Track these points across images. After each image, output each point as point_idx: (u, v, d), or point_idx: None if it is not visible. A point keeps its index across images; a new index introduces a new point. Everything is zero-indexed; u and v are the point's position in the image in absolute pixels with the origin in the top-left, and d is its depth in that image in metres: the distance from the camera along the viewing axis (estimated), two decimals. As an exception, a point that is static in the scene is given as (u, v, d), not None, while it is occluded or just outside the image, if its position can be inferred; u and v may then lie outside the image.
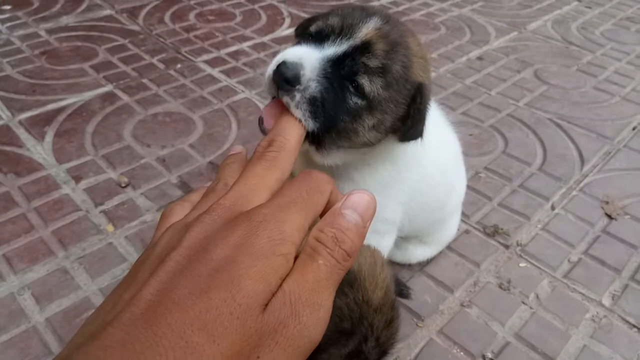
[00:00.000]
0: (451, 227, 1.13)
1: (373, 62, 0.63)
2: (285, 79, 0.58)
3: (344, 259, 0.34)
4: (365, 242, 0.94)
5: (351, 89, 0.63)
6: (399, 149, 0.77)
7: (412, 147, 0.76)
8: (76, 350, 0.29)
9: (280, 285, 0.31)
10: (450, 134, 0.97)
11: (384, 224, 0.87)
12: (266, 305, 0.30)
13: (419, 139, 0.71)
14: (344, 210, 0.35)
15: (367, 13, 0.66)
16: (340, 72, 0.62)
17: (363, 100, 0.64)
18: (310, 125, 0.59)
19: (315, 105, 0.59)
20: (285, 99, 0.58)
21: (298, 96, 0.58)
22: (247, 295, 0.30)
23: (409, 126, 0.69)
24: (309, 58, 0.60)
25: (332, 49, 0.62)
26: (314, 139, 0.65)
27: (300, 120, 0.56)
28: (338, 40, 0.63)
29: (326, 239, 0.34)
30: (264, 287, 0.30)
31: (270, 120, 0.58)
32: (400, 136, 0.71)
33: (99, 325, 0.31)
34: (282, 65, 0.58)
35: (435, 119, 0.92)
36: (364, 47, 0.63)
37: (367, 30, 0.64)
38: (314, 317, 0.31)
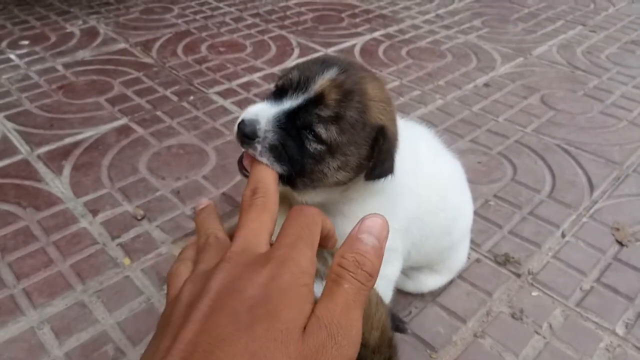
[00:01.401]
0: (461, 254, 1.14)
1: (325, 112, 0.69)
2: (244, 135, 0.67)
3: (367, 279, 0.37)
4: None
5: (310, 137, 0.70)
6: (383, 184, 0.80)
7: (400, 176, 0.80)
8: None
9: (312, 311, 0.35)
10: (448, 159, 1.00)
11: None
12: (304, 330, 0.34)
13: (388, 176, 0.76)
14: (360, 235, 0.39)
15: (326, 65, 0.72)
16: (297, 122, 0.70)
17: (322, 145, 0.71)
18: (278, 169, 0.67)
19: (277, 152, 0.67)
20: (250, 150, 0.67)
21: (259, 147, 0.66)
22: (286, 322, 0.33)
23: (372, 166, 0.74)
24: (264, 114, 0.69)
25: (289, 103, 0.70)
26: (287, 180, 0.73)
27: (269, 166, 0.65)
28: (295, 94, 0.70)
29: (348, 263, 0.37)
30: (298, 314, 0.34)
31: (247, 162, 0.69)
32: (366, 175, 0.76)
33: None
34: (241, 124, 0.67)
35: (430, 146, 0.96)
36: (318, 99, 0.70)
37: (321, 82, 0.70)
38: (348, 336, 0.34)
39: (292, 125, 0.69)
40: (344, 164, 0.73)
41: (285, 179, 0.72)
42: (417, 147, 0.89)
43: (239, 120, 0.69)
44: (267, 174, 0.54)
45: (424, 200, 0.89)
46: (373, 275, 0.38)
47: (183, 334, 0.34)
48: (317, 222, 0.42)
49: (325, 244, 0.44)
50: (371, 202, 0.83)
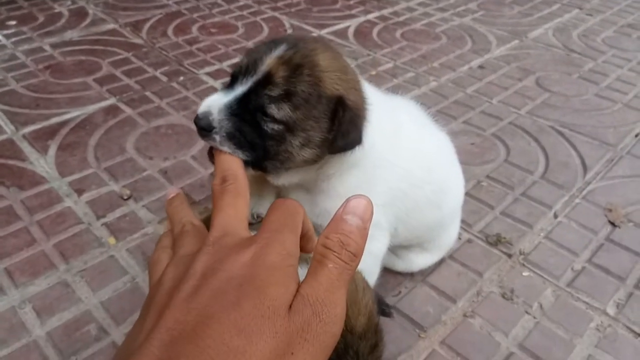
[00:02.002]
0: (452, 232, 1.12)
1: (275, 92, 0.68)
2: (201, 128, 0.67)
3: (351, 259, 0.38)
4: None
5: (265, 118, 0.69)
6: (359, 155, 0.78)
7: (378, 149, 0.80)
8: None
9: (298, 290, 0.36)
10: (435, 133, 0.98)
11: None
12: (290, 308, 0.34)
13: (356, 148, 0.75)
14: (345, 216, 0.39)
15: (274, 44, 0.72)
16: (249, 107, 0.69)
17: (279, 125, 0.70)
18: (241, 155, 0.67)
19: (235, 139, 0.67)
20: (210, 142, 0.67)
21: (217, 137, 0.67)
22: (273, 299, 0.34)
23: (333, 138, 0.73)
24: (215, 104, 0.68)
25: (240, 89, 0.69)
26: (256, 165, 0.73)
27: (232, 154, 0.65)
28: (245, 79, 0.70)
29: (332, 244, 0.38)
30: (285, 291, 0.35)
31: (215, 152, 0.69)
32: (328, 149, 0.75)
33: (128, 354, 0.33)
34: (196, 119, 0.68)
35: (414, 119, 0.94)
36: (266, 79, 0.69)
37: (269, 61, 0.69)
38: (332, 314, 0.35)
39: (245, 111, 0.69)
40: (306, 140, 0.72)
41: (254, 164, 0.72)
42: (398, 119, 0.87)
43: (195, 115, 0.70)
44: (232, 161, 0.54)
45: (406, 174, 0.87)
46: (357, 255, 0.38)
47: (168, 314, 0.34)
48: (300, 213, 0.42)
49: (303, 245, 0.44)
50: (349, 177, 0.81)
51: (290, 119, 0.69)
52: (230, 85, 0.71)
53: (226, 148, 0.66)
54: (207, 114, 0.67)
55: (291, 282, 0.36)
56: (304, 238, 0.44)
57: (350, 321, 0.59)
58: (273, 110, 0.68)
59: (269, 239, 0.38)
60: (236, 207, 0.44)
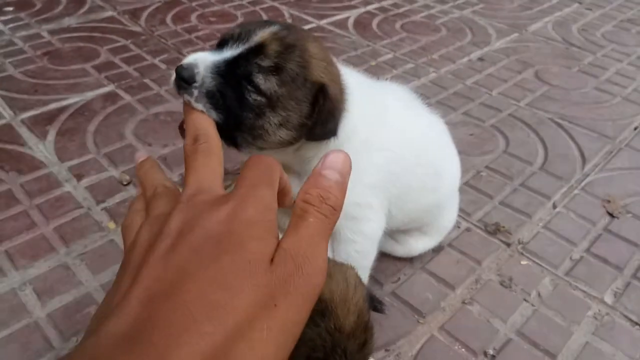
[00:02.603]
0: (450, 215, 1.13)
1: (265, 62, 0.68)
2: (182, 79, 0.64)
3: (331, 213, 0.38)
4: (342, 228, 0.93)
5: (249, 87, 0.68)
6: (337, 142, 0.79)
7: (360, 134, 0.80)
8: (86, 337, 0.31)
9: (279, 245, 0.35)
10: (426, 116, 0.99)
11: (356, 208, 0.87)
12: (271, 262, 0.34)
13: (331, 138, 0.76)
14: (323, 171, 0.39)
15: (268, 23, 0.72)
16: (236, 72, 0.68)
17: (262, 97, 0.69)
18: (214, 115, 0.65)
19: (214, 99, 0.65)
20: (186, 96, 0.64)
21: (195, 92, 0.64)
22: (253, 253, 0.33)
23: (312, 125, 0.73)
24: (203, 59, 0.66)
25: (229, 52, 0.68)
26: (228, 138, 0.71)
27: (204, 112, 0.62)
28: (235, 44, 0.68)
29: (312, 198, 0.37)
30: (264, 246, 0.34)
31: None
32: (306, 135, 0.75)
33: (104, 316, 0.32)
34: (179, 68, 0.65)
35: (402, 102, 0.95)
36: (258, 49, 0.68)
37: (263, 34, 0.69)
38: (314, 266, 0.35)
39: (231, 75, 0.67)
40: (285, 120, 0.72)
41: (225, 134, 0.70)
42: (384, 104, 0.88)
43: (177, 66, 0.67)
44: (205, 120, 0.52)
45: (396, 157, 0.88)
46: (337, 209, 0.38)
47: (145, 272, 0.33)
48: (275, 169, 0.41)
49: (281, 200, 0.43)
50: None
51: (275, 93, 0.69)
52: (218, 49, 0.70)
53: (201, 106, 0.63)
54: (192, 66, 0.65)
55: (271, 237, 0.35)
56: (281, 193, 0.43)
57: (340, 320, 0.59)
58: (260, 80, 0.68)
59: (246, 194, 0.37)
60: (210, 166, 0.43)
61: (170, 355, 0.28)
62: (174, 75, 0.66)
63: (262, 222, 0.35)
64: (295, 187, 0.42)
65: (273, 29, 0.70)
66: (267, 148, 0.76)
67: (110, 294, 0.36)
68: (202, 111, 0.62)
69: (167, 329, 0.29)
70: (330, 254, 0.99)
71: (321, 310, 0.58)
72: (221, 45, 0.70)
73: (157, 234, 0.36)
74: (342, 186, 0.39)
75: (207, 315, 0.30)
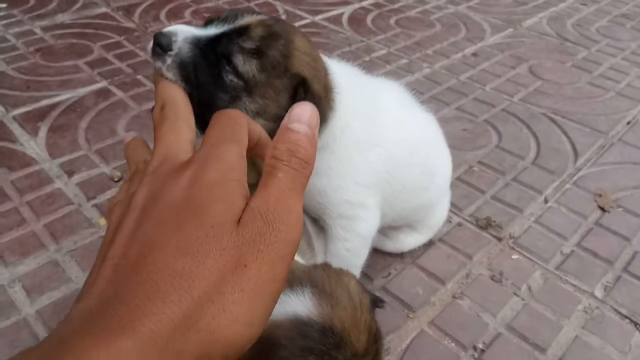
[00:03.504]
0: (441, 212, 1.13)
1: (248, 44, 0.66)
2: (158, 44, 0.62)
3: (302, 166, 0.36)
4: (335, 226, 0.92)
5: (227, 68, 0.67)
6: (326, 139, 0.78)
7: (355, 132, 0.80)
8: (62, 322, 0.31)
9: (247, 204, 0.34)
10: (419, 114, 0.98)
11: (348, 207, 0.87)
12: (238, 222, 0.33)
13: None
14: (290, 125, 0.38)
15: (257, 13, 0.71)
16: (217, 49, 0.66)
17: (239, 80, 0.67)
18: (183, 87, 0.62)
19: (186, 71, 0.62)
20: (158, 63, 0.61)
21: (169, 60, 0.61)
22: (215, 216, 0.32)
23: None
24: (183, 30, 0.65)
25: (212, 30, 0.67)
26: (198, 119, 0.69)
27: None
28: (220, 24, 0.67)
29: (280, 153, 0.36)
30: (228, 207, 0.33)
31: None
32: None
33: (77, 300, 0.32)
34: (157, 34, 0.63)
35: (395, 100, 0.94)
36: (242, 31, 0.67)
37: (250, 19, 0.68)
38: (286, 221, 0.33)
39: (211, 51, 0.65)
40: (262, 109, 0.70)
41: (197, 118, 0.68)
42: (378, 101, 0.87)
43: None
44: (173, 88, 0.49)
45: (390, 154, 0.87)
46: (308, 162, 0.37)
47: (111, 251, 0.33)
48: (241, 123, 0.39)
49: (259, 152, 0.42)
50: (318, 158, 0.80)
51: (253, 78, 0.67)
52: (203, 27, 0.69)
53: (171, 75, 0.61)
54: (171, 34, 0.63)
55: (236, 197, 0.34)
56: (257, 145, 0.42)
57: (354, 345, 0.59)
58: (239, 60, 0.66)
59: (207, 155, 0.36)
60: (177, 132, 0.41)
61: (134, 324, 0.28)
62: (151, 42, 0.64)
63: (224, 183, 0.34)
64: None
65: (261, 16, 0.70)
66: None
67: (86, 279, 0.35)
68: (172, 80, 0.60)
69: (132, 300, 0.29)
70: (322, 252, 0.99)
71: (336, 344, 0.58)
72: (207, 24, 0.69)
73: (125, 213, 0.35)
74: (312, 138, 0.38)
75: (172, 284, 0.29)
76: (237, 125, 0.39)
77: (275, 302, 0.33)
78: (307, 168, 0.37)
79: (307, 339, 0.57)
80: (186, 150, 0.39)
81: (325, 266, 0.66)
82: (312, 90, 0.72)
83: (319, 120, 0.39)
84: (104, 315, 0.29)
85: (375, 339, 0.63)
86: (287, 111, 0.71)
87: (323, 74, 0.77)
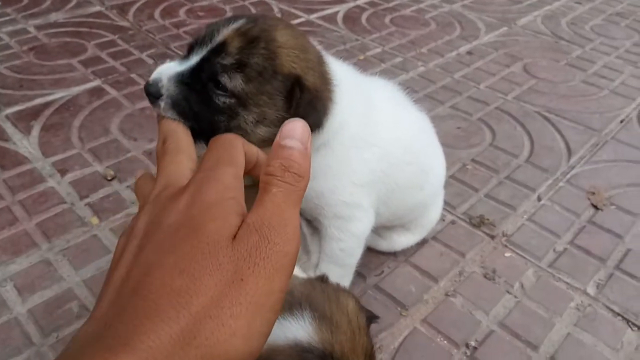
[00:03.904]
0: (434, 212, 1.13)
1: (227, 60, 0.67)
2: (149, 94, 0.66)
3: (296, 180, 0.37)
4: (329, 226, 0.92)
5: (216, 91, 0.67)
6: (323, 137, 0.78)
7: (352, 129, 0.79)
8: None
9: (243, 221, 0.35)
10: (413, 113, 0.98)
11: (344, 207, 0.87)
12: (234, 238, 0.33)
13: (316, 131, 0.74)
14: (282, 141, 0.39)
15: (234, 18, 0.70)
16: (201, 76, 0.67)
17: (232, 98, 0.68)
18: (185, 124, 0.63)
19: (180, 107, 0.65)
20: (156, 109, 0.66)
21: (162, 103, 0.65)
22: (211, 234, 0.33)
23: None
24: (166, 72, 0.67)
25: (194, 59, 0.68)
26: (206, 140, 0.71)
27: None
28: (200, 49, 0.68)
29: (274, 169, 0.37)
30: (223, 224, 0.34)
31: None
32: None
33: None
34: (146, 85, 0.67)
35: (390, 99, 0.93)
36: (220, 48, 0.67)
37: (225, 32, 0.68)
38: (282, 234, 0.34)
39: (197, 81, 0.67)
40: (261, 117, 0.70)
41: (205, 139, 0.69)
42: (372, 99, 0.87)
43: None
44: (174, 124, 0.52)
45: (384, 153, 0.87)
46: (302, 176, 0.38)
47: (115, 276, 0.34)
48: (236, 145, 0.41)
49: (257, 172, 0.42)
50: (317, 158, 0.79)
51: (242, 91, 0.67)
52: (186, 57, 0.70)
53: (169, 115, 0.65)
54: (157, 81, 0.66)
55: (231, 215, 0.35)
56: (255, 167, 0.43)
57: None
58: (225, 79, 0.67)
59: (203, 178, 0.37)
60: (177, 163, 0.43)
61: (133, 342, 0.29)
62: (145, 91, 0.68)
63: (220, 202, 0.35)
64: None
65: (236, 24, 0.68)
66: None
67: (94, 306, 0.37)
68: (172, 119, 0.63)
69: (132, 320, 0.30)
70: (317, 252, 0.99)
71: None
72: (189, 51, 0.70)
73: (128, 241, 0.37)
74: (304, 153, 0.39)
75: (170, 301, 0.30)
76: (232, 148, 0.41)
77: (276, 314, 0.33)
78: (301, 182, 0.37)
79: None
80: (186, 178, 0.40)
81: (323, 283, 0.66)
82: (307, 85, 0.71)
83: (310, 135, 0.40)
84: (105, 335, 0.30)
85: (371, 357, 0.63)
86: (287, 112, 0.71)
87: (316, 62, 0.75)
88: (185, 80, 0.66)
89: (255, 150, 0.44)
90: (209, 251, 0.32)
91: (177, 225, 0.34)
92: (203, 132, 0.67)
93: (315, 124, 0.73)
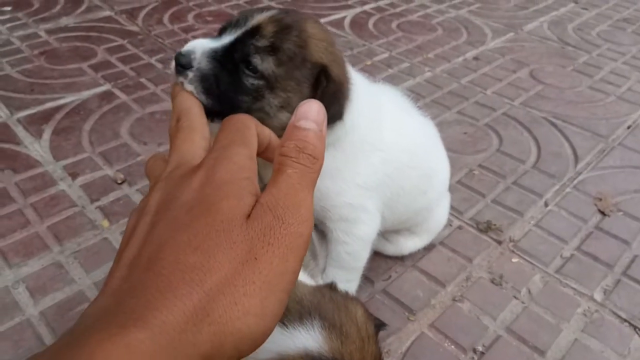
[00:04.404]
0: (440, 216, 1.13)
1: (261, 42, 0.69)
2: (180, 64, 0.66)
3: (311, 162, 0.37)
4: (335, 229, 0.93)
5: (246, 71, 0.69)
6: (336, 135, 0.79)
7: (358, 131, 0.80)
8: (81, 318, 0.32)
9: (257, 201, 0.34)
10: (418, 118, 0.99)
11: (349, 210, 0.88)
12: (248, 217, 0.33)
13: (336, 123, 0.76)
14: (297, 122, 0.38)
15: (266, 8, 0.73)
16: (234, 56, 0.69)
17: (260, 80, 0.70)
18: (203, 99, 0.65)
19: (207, 83, 0.66)
20: (180, 78, 0.65)
21: (190, 75, 0.65)
22: (225, 212, 0.33)
23: None
24: (200, 46, 0.68)
25: (227, 39, 0.69)
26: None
27: (193, 94, 0.61)
28: (234, 30, 0.70)
29: (288, 150, 0.37)
30: (238, 202, 0.33)
31: None
32: None
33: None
34: (178, 55, 0.67)
35: (396, 104, 0.95)
36: (254, 31, 0.69)
37: (259, 17, 0.70)
38: (296, 215, 0.34)
39: (229, 59, 0.68)
40: (285, 102, 0.72)
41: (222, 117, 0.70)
42: (380, 104, 0.88)
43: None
44: (188, 100, 0.50)
45: (390, 157, 0.88)
46: (317, 157, 0.37)
47: (126, 253, 0.34)
48: (249, 126, 0.41)
49: (270, 155, 0.42)
50: (327, 156, 0.81)
51: (273, 74, 0.69)
52: (218, 36, 0.71)
53: (192, 87, 0.64)
54: (189, 53, 0.67)
55: (245, 194, 0.34)
56: (268, 149, 0.43)
57: None
58: (257, 60, 0.68)
59: (217, 157, 0.37)
60: (190, 141, 0.42)
61: (145, 317, 0.28)
62: (173, 62, 0.67)
63: (234, 182, 0.35)
64: None
65: (270, 12, 0.71)
66: None
67: (104, 282, 0.36)
68: (189, 92, 0.60)
69: (144, 295, 0.30)
70: (324, 257, 1.00)
71: None
72: (221, 33, 0.72)
73: (139, 218, 0.36)
74: (320, 134, 0.38)
75: (183, 278, 0.30)
76: (245, 128, 0.40)
77: (288, 294, 0.33)
78: (316, 163, 0.37)
79: None
80: (199, 157, 0.39)
81: (332, 292, 0.67)
82: (333, 76, 0.73)
83: (326, 117, 0.39)
84: (116, 311, 0.29)
85: None
86: None
87: (341, 57, 0.78)
88: (217, 57, 0.67)
89: (267, 132, 0.43)
90: (223, 229, 0.32)
91: (191, 202, 0.34)
92: (221, 112, 0.68)
93: (336, 115, 0.75)
